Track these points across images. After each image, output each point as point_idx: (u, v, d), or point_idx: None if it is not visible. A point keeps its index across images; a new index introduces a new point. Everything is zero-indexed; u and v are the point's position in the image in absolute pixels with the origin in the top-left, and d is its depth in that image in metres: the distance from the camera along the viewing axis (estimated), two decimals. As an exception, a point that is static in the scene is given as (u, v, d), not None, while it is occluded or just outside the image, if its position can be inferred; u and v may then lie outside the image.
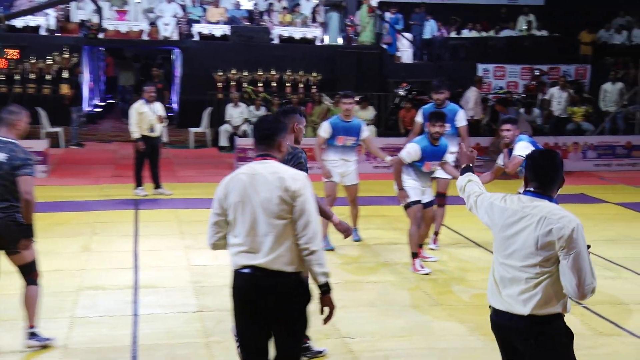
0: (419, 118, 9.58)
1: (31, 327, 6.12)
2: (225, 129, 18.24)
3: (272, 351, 4.43)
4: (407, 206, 8.37)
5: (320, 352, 6.06)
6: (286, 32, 21.13)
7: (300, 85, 20.24)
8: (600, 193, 13.09)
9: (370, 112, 18.18)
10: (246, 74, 20.00)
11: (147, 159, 12.51)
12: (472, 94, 17.68)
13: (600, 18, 23.94)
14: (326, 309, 4.36)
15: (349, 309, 7.07)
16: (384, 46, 21.82)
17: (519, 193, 4.27)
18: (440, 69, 20.17)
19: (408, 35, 22.65)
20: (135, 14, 21.45)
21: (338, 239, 8.31)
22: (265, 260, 4.21)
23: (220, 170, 13.80)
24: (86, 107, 20.33)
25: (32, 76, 19.32)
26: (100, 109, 23.00)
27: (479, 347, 6.36)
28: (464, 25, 23.92)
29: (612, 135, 17.63)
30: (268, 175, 4.26)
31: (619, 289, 7.90)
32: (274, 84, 20.21)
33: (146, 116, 12.30)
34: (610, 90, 18.79)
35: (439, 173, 8.94)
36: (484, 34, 23.84)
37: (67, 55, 19.54)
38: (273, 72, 20.18)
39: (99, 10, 20.20)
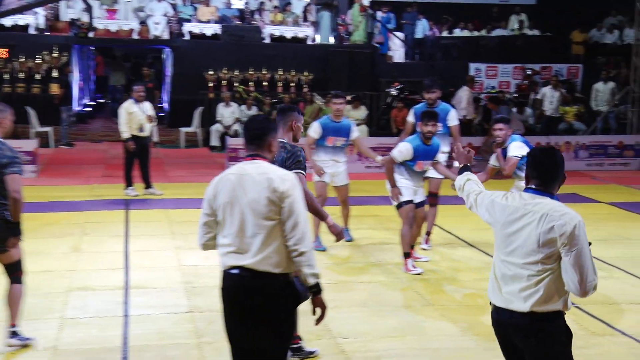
0: (410, 118, 9.56)
1: (13, 325, 6.07)
2: (216, 128, 18.19)
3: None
4: (399, 206, 8.35)
5: (312, 353, 6.04)
6: (277, 31, 21.08)
7: (292, 84, 20.21)
8: (592, 193, 13.10)
9: (362, 112, 18.17)
10: (237, 74, 19.95)
11: (137, 159, 12.46)
12: (464, 94, 17.69)
13: (592, 17, 23.99)
14: (318, 310, 4.33)
15: (340, 309, 7.05)
16: (376, 45, 21.80)
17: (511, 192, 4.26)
18: (432, 69, 20.16)
19: (400, 34, 22.64)
20: (125, 12, 21.38)
21: (330, 239, 8.27)
22: (253, 261, 4.19)
23: (212, 170, 13.73)
24: (76, 107, 20.25)
25: (21, 75, 19.23)
26: (90, 109, 22.91)
27: (471, 347, 6.35)
28: (455, 24, 23.93)
29: (604, 135, 17.66)
30: (256, 175, 4.23)
31: (611, 288, 7.89)
32: (265, 83, 20.17)
33: (136, 116, 12.25)
34: (602, 90, 18.82)
35: (431, 173, 8.92)
36: (475, 33, 23.86)
37: (56, 55, 19.46)
38: (264, 72, 20.14)
39: (89, 9, 20.12)
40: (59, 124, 18.15)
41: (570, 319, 6.75)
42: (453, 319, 6.98)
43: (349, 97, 17.90)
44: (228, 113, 18.20)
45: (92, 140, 19.19)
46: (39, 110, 18.20)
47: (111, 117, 20.38)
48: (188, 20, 21.22)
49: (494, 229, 4.20)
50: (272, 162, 4.44)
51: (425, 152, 8.29)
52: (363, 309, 7.25)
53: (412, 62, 22.49)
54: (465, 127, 16.54)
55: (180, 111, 19.63)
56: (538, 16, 24.71)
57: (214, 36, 20.65)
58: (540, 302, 3.94)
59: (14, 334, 6.07)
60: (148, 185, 12.65)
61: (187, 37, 20.73)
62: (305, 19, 22.07)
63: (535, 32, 23.87)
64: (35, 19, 20.18)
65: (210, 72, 19.72)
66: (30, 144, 14.71)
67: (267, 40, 20.91)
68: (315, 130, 9.29)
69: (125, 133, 12.27)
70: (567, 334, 4.05)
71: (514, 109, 17.97)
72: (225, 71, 19.87)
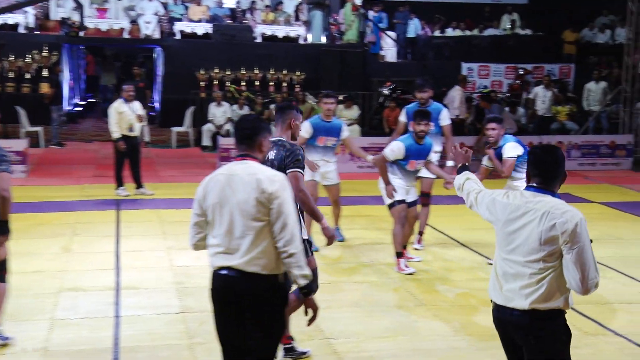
0: (402, 117, 9.55)
1: None
2: (208, 128, 18.14)
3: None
4: (391, 205, 8.34)
5: (304, 353, 6.02)
6: (269, 30, 21.05)
7: (284, 84, 20.18)
8: (584, 192, 13.11)
9: (354, 112, 18.15)
10: (229, 73, 19.91)
11: (128, 158, 12.41)
12: (456, 93, 17.69)
13: (583, 17, 24.07)
14: (309, 311, 4.34)
15: (333, 309, 7.03)
16: (367, 45, 21.79)
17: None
18: (424, 68, 20.16)
19: (392, 33, 22.63)
20: (115, 11, 21.32)
21: (322, 240, 8.23)
22: (241, 262, 4.18)
23: (203, 170, 13.69)
24: (66, 106, 20.18)
25: (11, 75, 19.14)
26: (81, 108, 22.84)
27: (463, 347, 6.34)
28: (447, 24, 23.96)
29: (596, 135, 17.69)
30: (245, 176, 4.22)
31: (603, 288, 7.78)
32: (257, 82, 20.14)
33: (126, 115, 12.20)
34: (594, 90, 18.85)
35: (423, 172, 8.93)
36: (467, 32, 23.90)
37: (46, 54, 19.37)
38: (256, 71, 20.10)
39: (80, 8, 20.03)
40: (50, 124, 18.06)
41: (563, 318, 6.80)
42: (446, 319, 6.97)
43: (341, 96, 17.89)
44: (220, 113, 18.15)
45: (82, 140, 19.11)
46: (29, 109, 18.10)
47: (102, 116, 20.32)
48: (179, 20, 21.16)
49: (495, 227, 4.20)
50: (263, 162, 4.41)
51: (418, 151, 8.28)
52: (355, 309, 7.23)
53: (405, 62, 22.49)
54: (458, 126, 16.54)
55: (172, 111, 19.57)
56: (530, 16, 24.76)
57: (206, 35, 20.61)
58: (541, 300, 3.95)
59: None
60: (139, 185, 12.60)
61: (178, 36, 20.67)
62: (297, 18, 22.04)
63: (527, 31, 23.93)
64: (24, 18, 20.09)
65: (202, 72, 19.67)
66: (21, 144, 14.63)
67: (259, 40, 20.87)
68: (306, 129, 9.26)
69: (116, 133, 12.22)
70: (567, 334, 4.05)
71: (507, 108, 17.98)
72: (216, 70, 19.82)
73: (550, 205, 3.96)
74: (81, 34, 19.99)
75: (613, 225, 10.79)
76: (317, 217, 5.64)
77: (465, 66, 21.69)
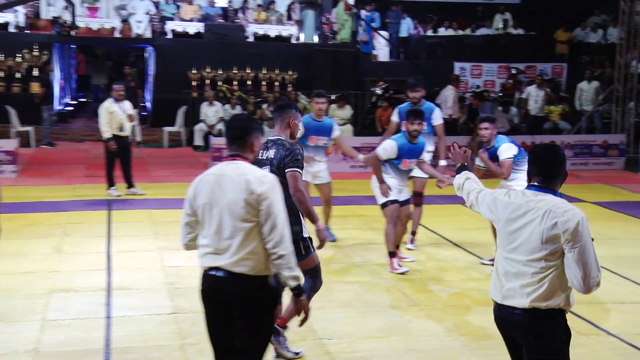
0: (394, 117, 9.55)
1: None
2: (200, 128, 18.10)
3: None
4: (384, 205, 8.32)
5: (296, 354, 6.00)
6: (261, 29, 21.02)
7: (276, 83, 20.14)
8: (577, 192, 13.10)
9: (347, 111, 18.14)
10: (221, 72, 19.85)
11: (119, 158, 12.36)
12: (449, 93, 17.70)
13: (576, 17, 24.13)
14: (301, 312, 4.33)
15: (325, 310, 7.00)
16: (359, 44, 21.78)
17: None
18: (416, 68, 20.17)
19: (384, 33, 22.62)
20: (106, 10, 21.26)
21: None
22: (230, 263, 4.17)
23: (195, 170, 13.63)
24: (57, 106, 20.09)
25: (1, 74, 19.05)
26: (72, 108, 22.75)
27: (457, 347, 6.33)
28: (440, 23, 23.96)
29: (589, 135, 17.72)
30: (235, 177, 4.20)
31: (596, 287, 7.89)
32: (249, 82, 20.09)
33: (116, 115, 12.15)
34: (587, 89, 18.88)
35: (416, 172, 8.92)
36: (460, 32, 23.91)
37: (37, 53, 19.28)
38: (248, 71, 20.06)
39: (71, 7, 19.95)
40: (40, 124, 17.98)
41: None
42: (439, 319, 6.95)
43: (333, 96, 17.88)
44: (212, 112, 18.11)
45: (73, 140, 19.05)
46: (19, 109, 18.02)
47: (93, 116, 20.22)
48: (171, 19, 21.11)
49: (497, 226, 4.21)
50: (254, 162, 4.39)
51: (411, 151, 8.27)
52: (348, 309, 7.21)
53: (397, 61, 22.49)
54: (451, 126, 16.54)
55: (163, 110, 19.51)
56: (522, 15, 24.80)
57: (197, 35, 20.56)
58: (542, 299, 3.96)
59: None
60: (130, 185, 12.56)
61: (169, 35, 20.62)
62: (289, 18, 22.01)
63: (520, 31, 23.96)
64: (15, 17, 20.01)
65: (194, 71, 19.61)
66: (11, 144, 14.57)
67: (251, 39, 20.84)
68: (297, 128, 9.24)
69: (106, 133, 12.16)
70: (567, 333, 4.06)
71: (500, 108, 17.99)
72: (208, 70, 19.76)
73: (551, 204, 3.97)
74: (72, 33, 19.92)
75: (606, 225, 10.78)
76: (312, 219, 5.64)
77: (457, 66, 21.70)
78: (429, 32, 23.62)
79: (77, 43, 22.09)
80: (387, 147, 8.21)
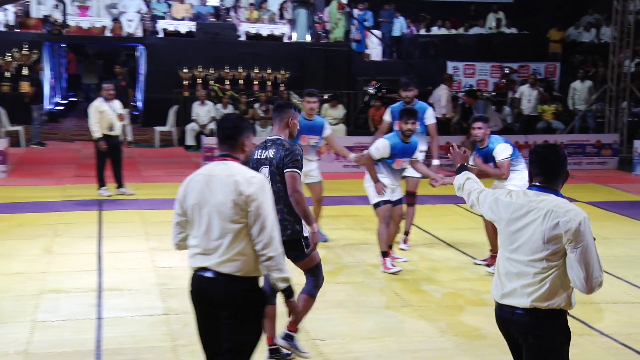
0: (387, 117, 9.54)
1: None
2: (191, 127, 18.04)
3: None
4: (377, 205, 8.30)
5: (288, 355, 5.98)
6: (253, 28, 20.96)
7: (268, 83, 20.10)
8: (570, 192, 12.99)
9: (339, 111, 18.10)
10: (213, 72, 19.79)
11: (109, 158, 12.29)
12: (442, 92, 17.67)
13: (569, 16, 24.18)
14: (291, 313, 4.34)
15: (318, 310, 6.92)
16: (353, 43, 21.75)
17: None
18: (409, 67, 20.15)
19: (377, 32, 22.60)
20: (97, 9, 21.19)
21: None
22: (217, 263, 4.16)
23: (187, 169, 13.57)
24: (47, 105, 19.98)
25: (-9, 73, 18.96)
26: (62, 107, 22.66)
27: (450, 347, 6.32)
28: (433, 22, 23.96)
29: (582, 134, 17.73)
30: (224, 177, 4.17)
31: (590, 288, 7.87)
32: (241, 81, 20.04)
33: (106, 115, 12.09)
34: (580, 89, 18.91)
35: (409, 172, 8.90)
36: (453, 31, 23.92)
37: (26, 52, 19.18)
38: (240, 70, 20.01)
39: (62, 6, 19.85)
40: (30, 123, 17.92)
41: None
42: (432, 320, 6.94)
43: (326, 95, 17.84)
44: (203, 112, 18.05)
45: (64, 140, 18.98)
46: (9, 108, 17.94)
47: (84, 116, 20.06)
48: (162, 18, 21.05)
49: (498, 226, 4.20)
50: (245, 162, 4.36)
51: (404, 150, 8.26)
52: (341, 310, 7.18)
53: (390, 61, 22.48)
54: (444, 125, 16.54)
55: (155, 110, 19.45)
56: (515, 14, 24.82)
57: (189, 34, 20.50)
58: (543, 299, 3.96)
59: None
60: (120, 185, 12.50)
61: (161, 34, 20.56)
62: (281, 17, 21.97)
63: (513, 30, 24.00)
64: (4, 16, 19.93)
65: (185, 70, 19.54)
66: (1, 144, 14.49)
67: (243, 38, 20.80)
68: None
69: (97, 132, 12.10)
70: (567, 334, 4.05)
71: (493, 107, 17.98)
72: (200, 69, 19.70)
73: (553, 204, 3.97)
74: (63, 32, 19.82)
75: (599, 225, 10.75)
76: (308, 220, 5.64)
77: (450, 65, 21.70)
78: (422, 31, 23.61)
79: (68, 42, 22.01)
80: (380, 146, 8.19)
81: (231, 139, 4.29)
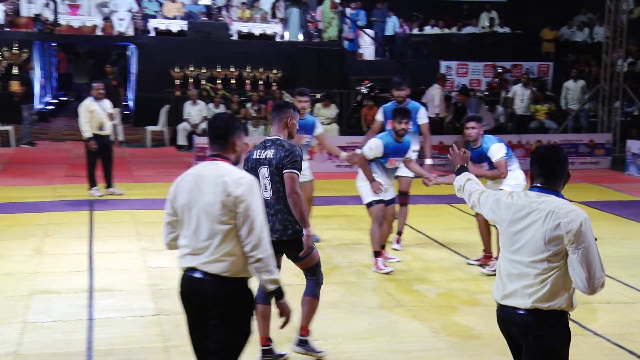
0: (379, 116, 9.53)
1: None
2: (183, 127, 17.98)
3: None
4: (369, 205, 8.28)
5: (282, 356, 5.98)
6: (245, 28, 20.92)
7: (260, 82, 20.06)
8: (563, 192, 13.08)
9: (332, 110, 18.07)
10: (204, 71, 19.74)
11: (100, 158, 12.23)
12: (436, 92, 17.66)
13: (562, 15, 24.22)
14: (282, 314, 4.32)
15: (311, 311, 6.92)
16: (345, 42, 21.72)
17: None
18: (402, 66, 20.14)
19: (370, 31, 22.57)
20: (88, 8, 21.10)
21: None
22: (204, 263, 4.15)
23: (179, 169, 13.41)
24: (38, 105, 19.89)
25: (-20, 73, 18.87)
26: (53, 107, 22.57)
27: (443, 348, 6.31)
28: (426, 21, 23.97)
29: (575, 134, 17.76)
30: (213, 178, 4.16)
31: (583, 287, 7.86)
32: (233, 81, 20.00)
33: (96, 114, 12.03)
34: (573, 88, 18.92)
35: (401, 171, 8.89)
36: (446, 30, 23.93)
37: (16, 51, 19.08)
38: (232, 69, 19.96)
39: (54, 4, 19.75)
40: (20, 123, 17.85)
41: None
42: (425, 320, 6.92)
43: (318, 95, 17.82)
44: (195, 111, 17.99)
45: (54, 139, 18.91)
46: (-2, 108, 17.84)
47: (74, 115, 20.01)
48: (153, 17, 20.98)
49: (499, 227, 4.21)
50: (236, 162, 4.33)
51: (396, 149, 8.26)
52: (334, 310, 7.15)
53: (383, 60, 22.47)
54: (437, 125, 16.54)
55: (146, 109, 19.39)
56: (508, 14, 24.86)
57: (180, 33, 20.43)
58: (544, 299, 3.96)
59: None
60: (109, 185, 12.44)
61: (152, 33, 20.49)
62: (273, 16, 21.92)
63: (506, 29, 24.04)
64: (-6, 15, 19.80)
65: (177, 70, 19.48)
66: (-9, 143, 14.41)
67: (235, 37, 20.75)
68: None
69: (87, 132, 12.05)
70: (567, 336, 4.06)
71: (486, 107, 17.97)
72: (192, 68, 19.64)
73: (554, 205, 3.97)
74: (54, 30, 19.74)
75: (592, 224, 10.75)
76: (304, 222, 5.64)
77: (443, 64, 21.70)
78: (415, 31, 23.61)
79: (58, 41, 21.90)
80: (373, 146, 8.18)
81: (222, 138, 4.27)
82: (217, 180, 4.12)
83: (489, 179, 8.16)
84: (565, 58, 22.85)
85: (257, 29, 20.98)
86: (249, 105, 18.26)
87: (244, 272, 4.16)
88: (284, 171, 5.55)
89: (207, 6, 21.97)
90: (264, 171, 5.61)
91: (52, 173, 14.49)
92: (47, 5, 20.08)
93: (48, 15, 19.89)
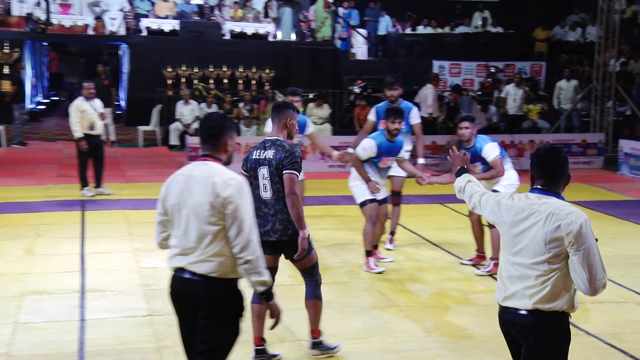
0: (371, 116, 9.51)
1: None
2: (175, 127, 17.94)
3: None
4: (363, 204, 8.28)
5: (275, 356, 5.97)
6: (238, 27, 20.87)
7: (253, 82, 20.00)
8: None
9: (325, 110, 18.05)
10: (197, 71, 19.68)
11: (91, 158, 12.18)
12: (429, 92, 17.64)
13: (554, 15, 24.27)
14: (272, 315, 4.32)
15: (303, 311, 6.82)
16: (338, 42, 21.70)
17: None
18: (395, 66, 20.13)
19: (362, 31, 22.56)
20: (79, 7, 21.02)
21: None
22: (192, 263, 4.14)
23: (171, 169, 13.33)
24: (29, 105, 19.81)
25: (-29, 72, 18.77)
26: (44, 107, 22.48)
27: (436, 347, 6.32)
28: (419, 21, 23.96)
29: (568, 133, 17.78)
30: (202, 178, 4.15)
31: (576, 287, 7.87)
32: (225, 80, 19.94)
33: (87, 114, 11.98)
34: (565, 88, 18.94)
35: (394, 171, 8.89)
36: (439, 30, 23.93)
37: (7, 50, 18.97)
38: (225, 69, 19.91)
39: (46, 4, 19.67)
40: (11, 122, 17.79)
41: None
42: (418, 320, 6.92)
43: (311, 95, 17.79)
44: (187, 111, 17.95)
45: (45, 139, 18.84)
46: (-11, 108, 17.77)
47: (66, 115, 19.96)
48: (145, 16, 20.91)
49: (500, 230, 4.22)
50: (227, 162, 4.31)
51: (389, 149, 8.26)
52: (327, 310, 7.05)
53: (375, 60, 22.45)
54: (430, 125, 16.54)
55: (138, 109, 19.33)
56: (501, 13, 24.89)
57: (173, 32, 20.35)
58: (545, 300, 3.97)
59: None
60: (98, 185, 12.38)
61: (144, 33, 20.42)
62: (266, 15, 21.88)
63: (499, 29, 24.07)
64: (-17, 14, 19.71)
65: (169, 69, 19.41)
66: (-18, 143, 14.35)
67: (227, 37, 20.71)
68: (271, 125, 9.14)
69: (78, 132, 12.00)
70: (567, 336, 4.07)
71: (479, 107, 17.98)
72: (184, 68, 19.58)
73: (554, 207, 3.98)
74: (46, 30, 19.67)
75: (586, 224, 10.79)
76: (301, 224, 5.63)
77: (436, 64, 21.69)
78: (408, 30, 23.61)
79: (50, 40, 21.81)
80: (367, 146, 8.18)
81: (213, 138, 4.25)
82: (207, 180, 4.11)
83: (486, 180, 8.12)
84: (557, 58, 22.89)
85: (249, 28, 20.94)
86: (241, 105, 18.23)
87: (233, 272, 4.15)
88: (284, 172, 5.57)
89: (199, 5, 21.91)
90: (263, 171, 5.62)
91: (43, 173, 14.44)
92: (38, 4, 20.01)
93: (40, 14, 19.80)
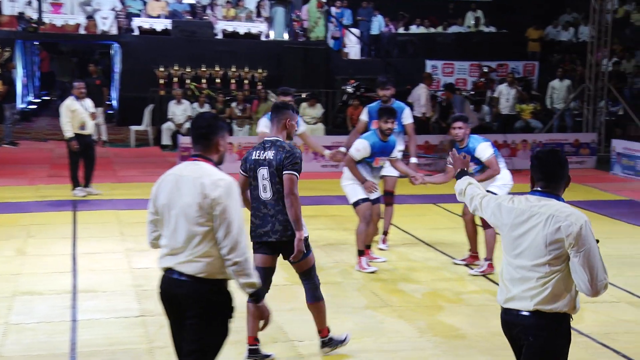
0: (364, 116, 9.51)
1: None
2: (167, 127, 17.89)
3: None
4: (356, 204, 8.28)
5: (268, 356, 5.96)
6: (230, 26, 20.82)
7: (246, 81, 19.96)
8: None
9: (318, 110, 18.03)
10: (189, 70, 19.63)
11: (82, 157, 12.13)
12: (422, 91, 17.62)
13: (547, 15, 24.32)
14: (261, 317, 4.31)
15: (296, 311, 6.90)
16: (331, 42, 21.68)
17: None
18: (388, 66, 20.12)
19: (355, 30, 22.54)
20: (71, 6, 20.95)
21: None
22: (180, 264, 4.13)
23: (163, 169, 13.25)
24: (20, 104, 19.73)
25: (-39, 72, 18.66)
26: (35, 106, 22.41)
27: (429, 347, 6.32)
28: (411, 21, 23.95)
29: (560, 133, 17.80)
30: (192, 179, 4.13)
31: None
32: (218, 80, 19.89)
33: (78, 113, 11.94)
34: (558, 88, 18.96)
35: (386, 171, 8.89)
36: (432, 29, 23.93)
37: (-2, 50, 18.91)
38: (217, 68, 19.86)
39: (38, 3, 19.60)
40: (2, 122, 17.73)
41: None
42: (411, 320, 6.92)
43: (304, 94, 17.77)
44: (180, 111, 17.90)
45: (37, 139, 18.77)
46: (-20, 108, 17.68)
47: (57, 115, 19.90)
48: (137, 15, 20.86)
49: (501, 232, 4.24)
50: (219, 162, 4.29)
51: (382, 148, 8.27)
52: (321, 310, 7.10)
53: (368, 59, 22.42)
54: (423, 124, 16.53)
55: (130, 109, 19.27)
56: (494, 13, 24.90)
57: (165, 32, 20.28)
58: (546, 302, 4.00)
59: None
60: (86, 184, 12.33)
61: (136, 32, 20.36)
62: (258, 15, 21.85)
63: (492, 29, 24.09)
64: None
65: (161, 69, 19.35)
66: (-27, 143, 14.28)
67: (220, 36, 20.66)
68: (265, 124, 9.11)
69: (68, 132, 11.95)
70: (567, 337, 4.09)
71: (472, 107, 17.98)
72: (176, 68, 19.52)
73: (554, 209, 4.00)
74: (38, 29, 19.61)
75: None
76: (298, 225, 5.64)
77: (429, 64, 21.68)
78: (401, 30, 23.59)
79: (41, 40, 21.74)
80: (360, 147, 8.18)
81: (205, 138, 4.22)
82: (196, 181, 4.09)
83: (483, 181, 8.11)
84: (550, 57, 22.92)
85: (242, 27, 20.90)
86: (234, 104, 18.19)
87: (221, 273, 4.12)
88: (284, 172, 5.57)
89: (191, 5, 21.87)
90: (263, 172, 5.62)
91: (34, 173, 14.39)
92: (29, 3, 19.94)
93: (31, 13, 19.72)
